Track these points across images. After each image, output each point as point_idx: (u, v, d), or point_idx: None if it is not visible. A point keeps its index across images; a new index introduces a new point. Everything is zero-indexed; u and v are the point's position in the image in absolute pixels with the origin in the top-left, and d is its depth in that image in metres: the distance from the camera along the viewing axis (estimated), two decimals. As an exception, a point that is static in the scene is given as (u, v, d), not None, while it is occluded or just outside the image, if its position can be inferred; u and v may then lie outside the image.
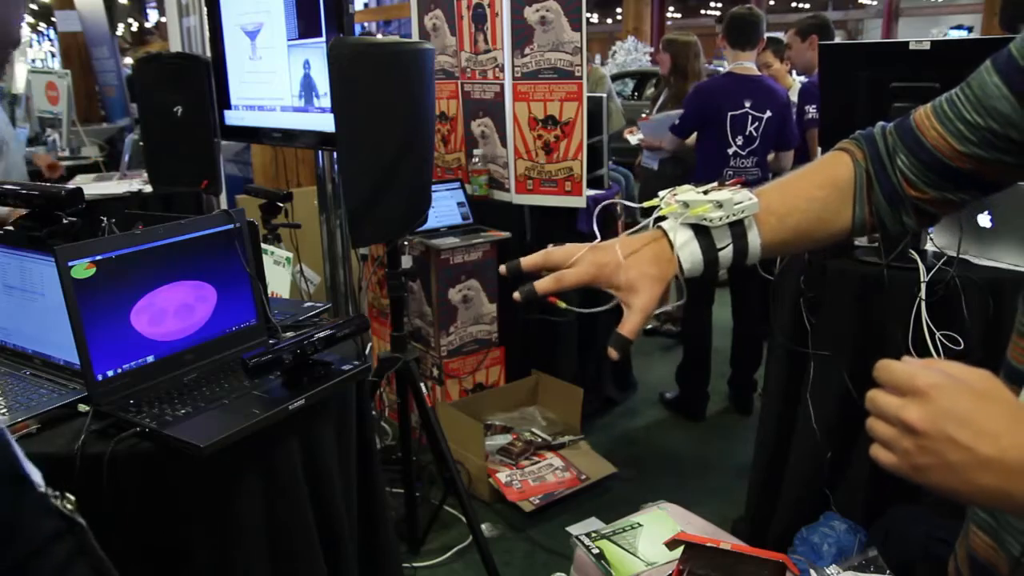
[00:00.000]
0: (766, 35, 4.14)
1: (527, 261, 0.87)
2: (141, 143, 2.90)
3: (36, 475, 0.58)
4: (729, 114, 3.32)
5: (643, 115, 4.55)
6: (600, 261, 0.83)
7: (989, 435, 0.57)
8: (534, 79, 3.06)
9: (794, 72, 4.46)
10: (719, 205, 0.82)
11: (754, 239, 0.85)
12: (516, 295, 0.86)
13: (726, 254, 0.85)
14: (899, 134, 0.88)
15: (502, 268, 0.89)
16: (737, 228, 0.84)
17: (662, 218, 0.87)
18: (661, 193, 0.88)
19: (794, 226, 0.88)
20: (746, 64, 3.40)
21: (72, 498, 0.60)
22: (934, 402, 0.59)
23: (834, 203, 0.88)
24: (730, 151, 3.35)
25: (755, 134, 3.35)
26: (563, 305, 0.86)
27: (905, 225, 0.89)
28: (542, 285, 0.84)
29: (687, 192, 0.85)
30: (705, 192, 0.85)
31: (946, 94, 0.85)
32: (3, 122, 2.97)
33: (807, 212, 0.88)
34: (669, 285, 0.88)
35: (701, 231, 0.84)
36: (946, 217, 1.99)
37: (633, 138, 4.38)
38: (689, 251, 0.84)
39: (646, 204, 0.88)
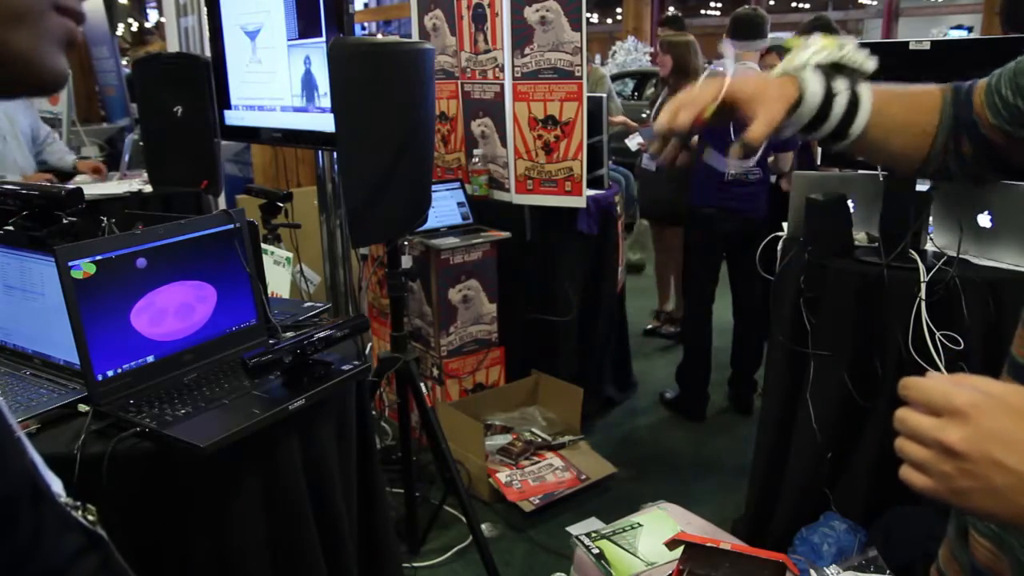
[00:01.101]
0: (770, 38, 4.13)
1: (683, 123, 0.88)
2: (141, 143, 2.90)
3: (56, 484, 0.55)
4: None
5: (643, 114, 4.53)
6: (732, 86, 0.86)
7: None
8: (534, 79, 3.06)
9: None
10: (842, 46, 0.88)
11: (866, 100, 0.89)
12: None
13: (840, 101, 0.88)
14: (967, 92, 0.91)
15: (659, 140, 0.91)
16: (853, 88, 0.89)
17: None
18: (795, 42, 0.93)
19: (893, 116, 0.91)
20: (749, 64, 3.41)
21: (93, 508, 0.58)
22: (975, 423, 0.55)
23: (927, 121, 0.92)
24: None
25: None
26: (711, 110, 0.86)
27: (963, 171, 0.92)
28: (681, 117, 0.86)
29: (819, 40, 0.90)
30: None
31: (1009, 64, 0.88)
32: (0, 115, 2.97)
33: (908, 113, 0.92)
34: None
35: (824, 76, 0.88)
36: (946, 217, 1.99)
37: (632, 143, 4.37)
38: (812, 79, 0.88)
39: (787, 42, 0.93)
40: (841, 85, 0.89)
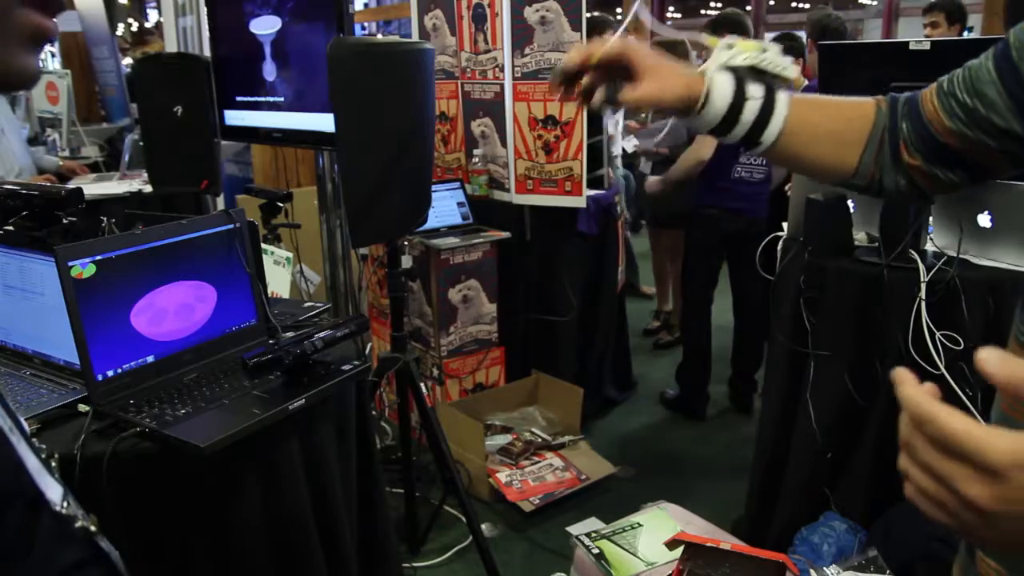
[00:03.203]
0: (774, 34, 4.12)
1: (571, 61, 0.90)
2: (141, 143, 2.89)
3: (54, 492, 0.53)
4: None
5: (641, 115, 4.50)
6: (637, 46, 0.87)
7: None
8: (534, 79, 3.06)
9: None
10: (764, 51, 0.88)
11: (781, 107, 0.89)
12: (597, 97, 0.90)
13: (751, 107, 0.88)
14: (909, 102, 0.91)
15: (555, 77, 0.92)
16: (768, 95, 0.88)
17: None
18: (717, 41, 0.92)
19: (814, 128, 0.91)
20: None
21: (95, 519, 0.56)
22: (1012, 483, 0.48)
23: (854, 131, 0.92)
24: (742, 148, 3.34)
25: None
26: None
27: (898, 188, 0.92)
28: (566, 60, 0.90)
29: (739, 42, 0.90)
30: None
31: (955, 71, 0.88)
32: None
33: (830, 121, 0.92)
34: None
35: (737, 78, 0.88)
36: (946, 217, 1.99)
37: (629, 145, 4.36)
38: (722, 81, 0.88)
39: (709, 42, 0.94)
40: (756, 91, 0.89)
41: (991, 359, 0.49)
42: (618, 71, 0.89)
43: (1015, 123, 0.82)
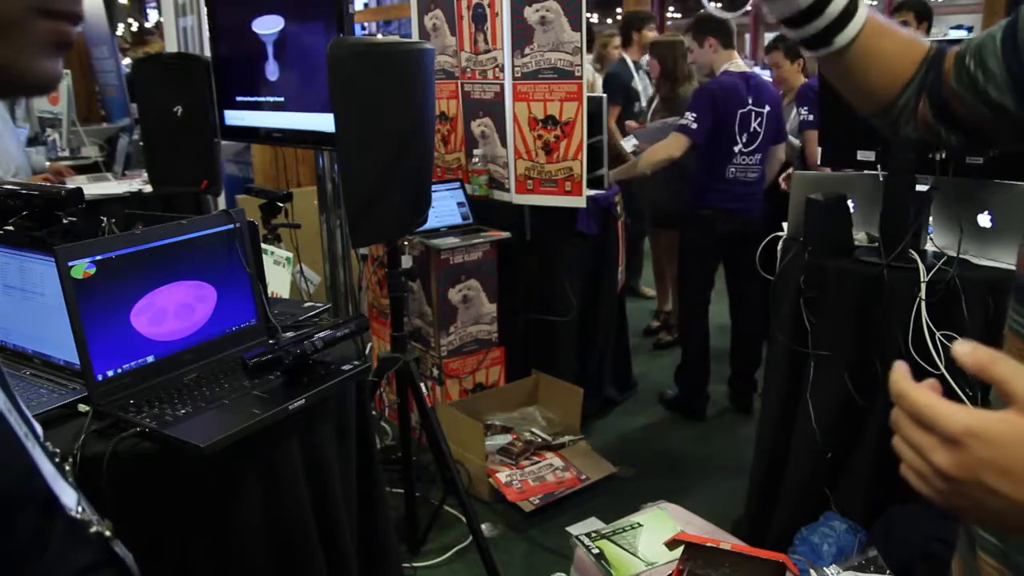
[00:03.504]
0: (776, 34, 4.11)
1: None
2: (140, 143, 2.90)
3: (68, 497, 0.54)
4: (739, 112, 3.32)
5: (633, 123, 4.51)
6: None
7: None
8: (534, 79, 3.06)
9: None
10: None
11: (861, 15, 0.88)
12: None
13: (838, 3, 0.87)
14: (938, 55, 0.92)
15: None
16: (845, 16, 0.87)
17: None
18: None
19: (879, 48, 0.91)
20: (738, 61, 3.42)
21: (109, 523, 0.57)
22: (969, 451, 0.55)
23: (908, 63, 0.92)
24: (736, 148, 3.34)
25: (758, 130, 3.36)
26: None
27: (910, 134, 0.94)
28: None
29: None
30: None
31: (979, 35, 0.90)
32: None
33: (894, 48, 0.92)
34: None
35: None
36: (946, 217, 1.99)
37: (628, 144, 4.36)
38: None
39: None
40: None
41: (962, 348, 0.57)
42: None
43: (1008, 98, 0.83)
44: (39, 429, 0.55)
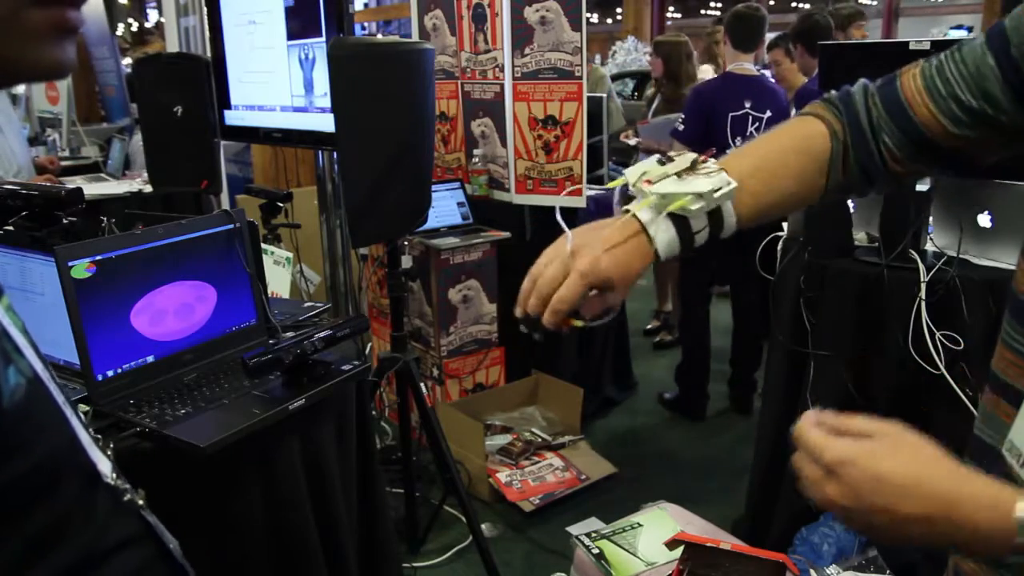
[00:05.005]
0: (777, 33, 4.08)
1: (524, 306, 0.83)
2: (139, 144, 2.90)
3: (104, 465, 0.55)
4: (730, 115, 3.31)
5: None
6: (584, 270, 0.78)
7: (904, 494, 0.60)
8: (534, 79, 3.06)
9: None
10: (699, 196, 0.80)
11: (730, 220, 0.82)
12: (536, 336, 0.84)
13: (702, 236, 0.82)
14: (885, 105, 0.83)
15: (522, 327, 0.86)
16: (714, 212, 0.81)
17: (632, 197, 0.83)
18: (630, 174, 0.84)
19: (768, 203, 0.85)
20: (745, 64, 3.40)
21: (143, 492, 0.58)
22: (845, 479, 0.62)
23: (809, 175, 0.85)
24: (729, 152, 3.34)
25: (756, 135, 3.34)
26: (579, 324, 0.84)
27: (872, 190, 0.88)
28: (547, 320, 0.81)
29: (662, 181, 0.81)
30: (678, 175, 0.81)
31: (934, 60, 0.81)
32: None
33: (783, 188, 0.85)
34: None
35: (677, 217, 0.80)
36: (946, 217, 1.99)
37: (631, 141, 4.37)
38: (667, 239, 0.80)
39: (610, 184, 0.87)
40: (700, 220, 0.80)
41: (801, 426, 0.68)
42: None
43: (1021, 118, 0.76)
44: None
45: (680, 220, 0.80)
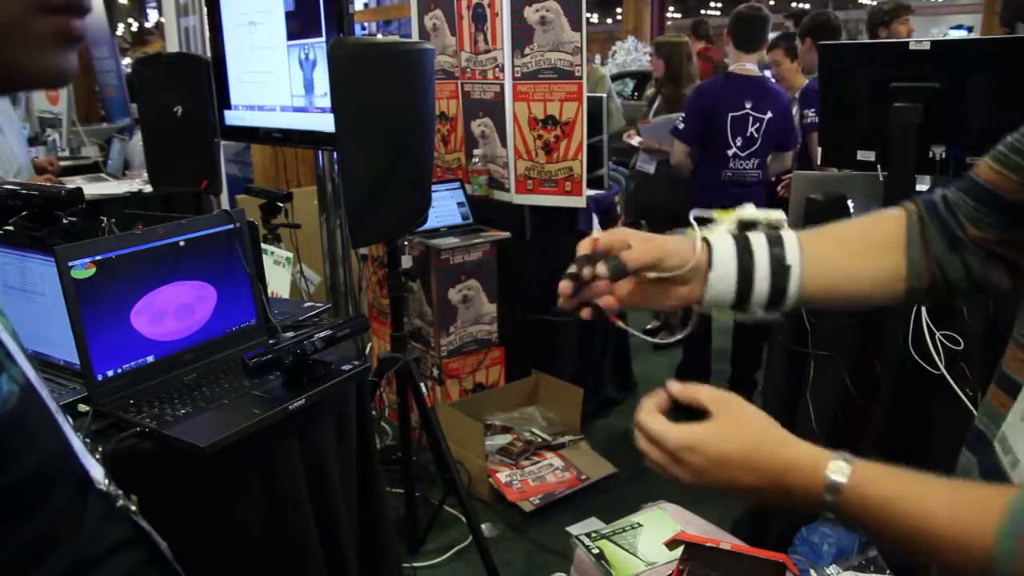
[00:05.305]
0: (778, 32, 4.07)
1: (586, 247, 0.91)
2: (134, 144, 2.90)
3: (97, 471, 0.55)
4: (730, 115, 3.31)
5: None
6: (653, 249, 0.86)
7: (742, 468, 0.70)
8: (534, 79, 3.06)
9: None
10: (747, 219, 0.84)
11: (794, 283, 0.82)
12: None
13: (761, 290, 0.82)
14: (957, 185, 0.84)
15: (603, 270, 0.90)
16: (779, 271, 0.82)
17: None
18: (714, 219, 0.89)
19: (842, 281, 0.85)
20: (747, 65, 3.39)
21: (135, 498, 0.58)
22: (688, 463, 0.71)
23: (887, 255, 0.84)
24: (729, 152, 3.34)
25: (756, 135, 3.34)
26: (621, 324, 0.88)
27: (971, 270, 0.83)
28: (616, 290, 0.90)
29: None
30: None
31: (1006, 139, 0.80)
32: None
33: (857, 268, 0.85)
34: (690, 316, 0.91)
35: (742, 268, 0.83)
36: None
37: (634, 141, 4.37)
38: (724, 243, 0.84)
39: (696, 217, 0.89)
40: (763, 272, 0.82)
41: (642, 415, 0.76)
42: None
43: None
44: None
45: (743, 266, 0.83)
